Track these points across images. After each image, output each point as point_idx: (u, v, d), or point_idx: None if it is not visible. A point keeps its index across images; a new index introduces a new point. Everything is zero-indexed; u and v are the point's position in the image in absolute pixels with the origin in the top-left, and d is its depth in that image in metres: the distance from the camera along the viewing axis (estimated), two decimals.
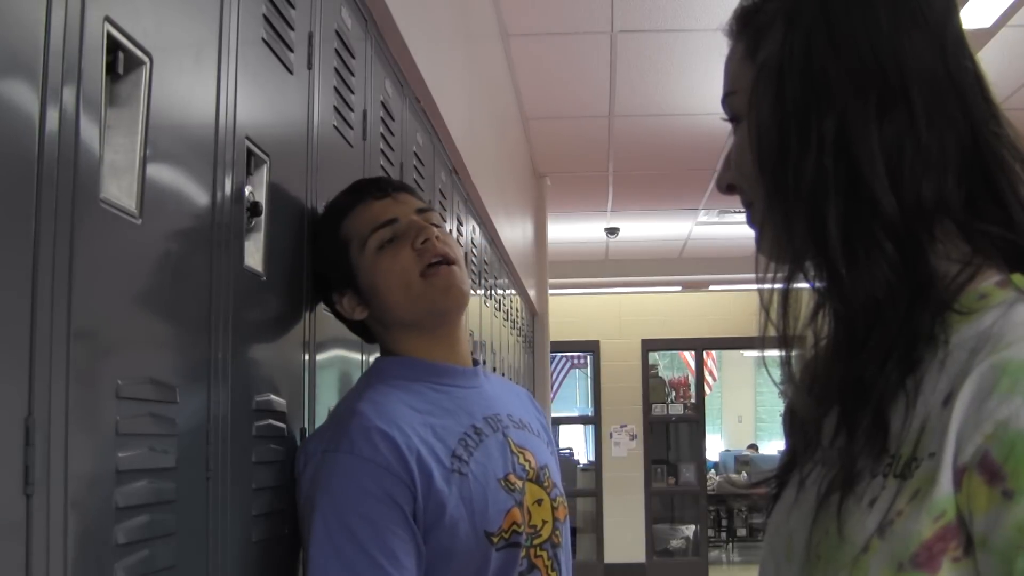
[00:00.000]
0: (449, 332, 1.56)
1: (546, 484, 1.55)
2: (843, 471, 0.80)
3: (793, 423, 0.95)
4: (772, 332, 0.87)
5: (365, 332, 1.62)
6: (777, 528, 0.90)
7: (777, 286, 0.87)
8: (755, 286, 0.88)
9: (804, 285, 0.87)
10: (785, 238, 0.86)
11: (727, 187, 0.94)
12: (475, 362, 1.60)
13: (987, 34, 4.43)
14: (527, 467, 1.52)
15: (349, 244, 1.54)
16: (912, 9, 0.84)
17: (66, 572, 0.84)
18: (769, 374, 0.89)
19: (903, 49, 0.83)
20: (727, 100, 0.92)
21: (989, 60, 4.58)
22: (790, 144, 0.85)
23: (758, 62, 0.88)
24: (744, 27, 0.91)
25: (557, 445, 1.71)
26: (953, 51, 0.85)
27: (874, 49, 0.83)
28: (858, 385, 0.82)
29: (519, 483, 1.49)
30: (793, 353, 0.88)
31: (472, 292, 3.63)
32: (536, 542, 1.50)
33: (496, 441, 1.50)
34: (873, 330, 0.82)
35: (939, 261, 0.82)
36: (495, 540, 1.43)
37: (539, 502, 1.52)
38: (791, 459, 0.92)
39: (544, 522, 1.52)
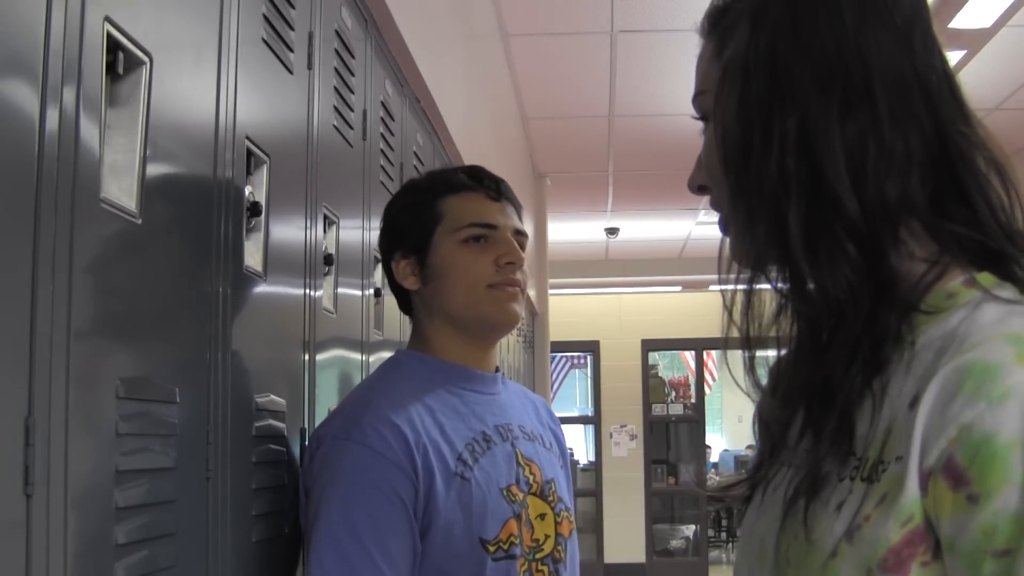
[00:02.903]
0: (486, 344, 1.58)
1: (551, 498, 1.55)
2: (809, 476, 0.79)
3: (763, 424, 0.94)
4: (735, 334, 0.86)
5: (407, 304, 1.61)
6: (749, 531, 0.89)
7: (740, 287, 0.86)
8: (719, 286, 0.87)
9: (767, 286, 0.85)
10: (748, 239, 0.85)
11: (698, 188, 0.93)
12: (496, 369, 1.61)
13: (987, 34, 4.42)
14: (531, 480, 1.53)
15: (441, 220, 1.54)
16: (879, 8, 0.83)
17: (66, 572, 0.84)
18: (732, 376, 0.88)
19: (868, 48, 0.82)
20: (697, 99, 0.92)
21: (989, 60, 4.59)
22: (753, 143, 0.84)
23: (724, 61, 0.87)
24: (714, 27, 0.90)
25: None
26: (921, 50, 0.83)
27: (839, 48, 0.82)
28: (823, 387, 0.81)
29: (521, 495, 1.50)
30: (757, 354, 0.87)
31: None
32: (538, 556, 1.50)
33: (504, 451, 1.51)
34: (836, 331, 0.81)
35: (904, 261, 0.81)
36: (491, 549, 1.43)
37: (542, 516, 1.52)
38: (762, 461, 0.91)
39: (547, 536, 1.52)
